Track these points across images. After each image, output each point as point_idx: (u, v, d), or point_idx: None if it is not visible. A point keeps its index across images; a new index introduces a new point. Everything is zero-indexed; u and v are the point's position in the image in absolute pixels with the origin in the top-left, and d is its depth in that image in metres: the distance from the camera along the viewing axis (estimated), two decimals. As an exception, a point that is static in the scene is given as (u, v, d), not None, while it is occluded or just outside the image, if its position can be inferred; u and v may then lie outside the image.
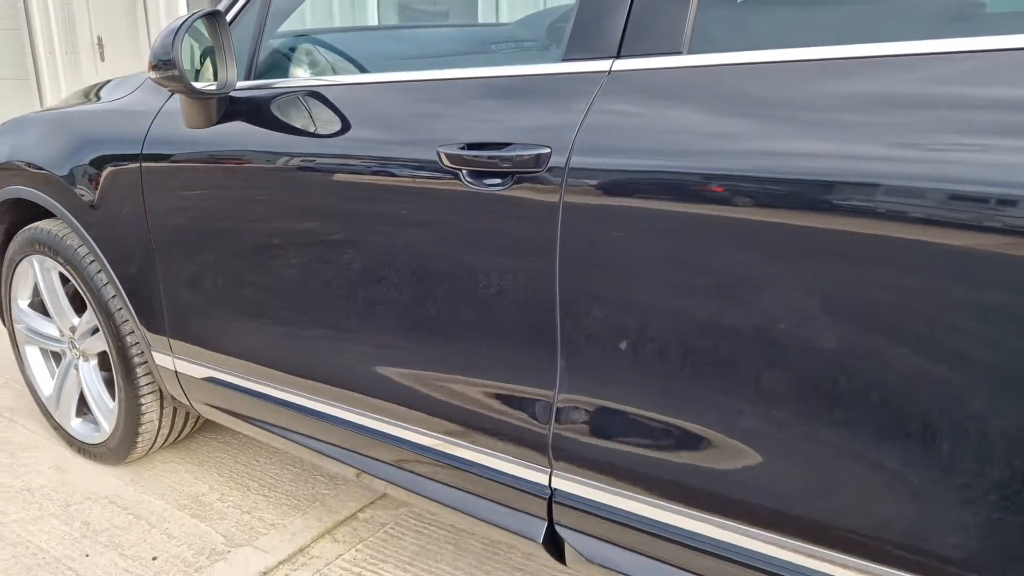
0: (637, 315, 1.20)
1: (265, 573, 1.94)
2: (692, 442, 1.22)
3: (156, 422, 2.28)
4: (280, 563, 1.98)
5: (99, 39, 8.90)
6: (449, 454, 1.52)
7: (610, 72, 1.23)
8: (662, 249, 1.16)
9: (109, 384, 2.35)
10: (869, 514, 1.07)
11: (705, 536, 1.24)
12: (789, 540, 1.15)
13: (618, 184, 1.18)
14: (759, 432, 1.14)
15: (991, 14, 1.17)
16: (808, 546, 1.14)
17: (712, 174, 1.09)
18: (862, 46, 1.03)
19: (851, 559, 1.10)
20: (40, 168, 2.17)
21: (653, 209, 1.15)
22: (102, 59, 8.94)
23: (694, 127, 1.13)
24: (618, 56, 1.22)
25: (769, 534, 1.17)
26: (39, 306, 2.49)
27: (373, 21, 6.42)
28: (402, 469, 1.64)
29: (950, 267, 0.94)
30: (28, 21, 9.13)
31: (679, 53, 1.17)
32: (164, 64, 1.56)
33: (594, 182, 1.20)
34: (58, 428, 2.54)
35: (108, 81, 2.37)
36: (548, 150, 1.24)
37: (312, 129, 1.59)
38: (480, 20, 5.72)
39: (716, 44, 1.15)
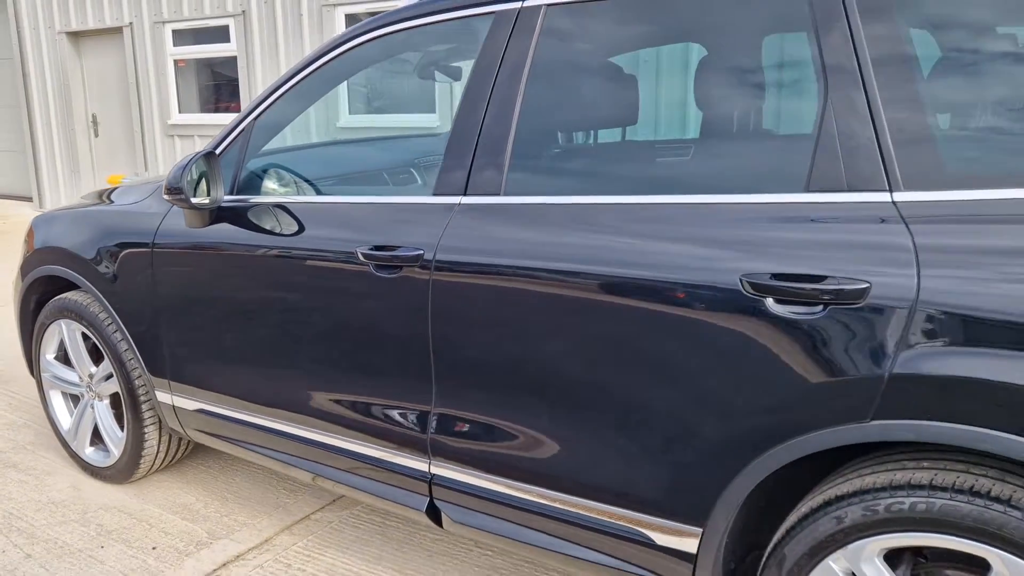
0: (479, 352, 1.91)
1: (239, 556, 2.59)
2: (519, 438, 1.91)
3: (155, 447, 2.94)
4: (250, 549, 2.63)
5: (93, 117, 9.70)
6: (363, 453, 2.21)
7: (460, 204, 1.96)
8: (490, 309, 1.87)
9: (117, 419, 3.02)
10: (622, 479, 1.77)
11: (529, 500, 1.92)
12: (579, 499, 1.84)
13: (463, 269, 1.90)
14: (555, 429, 1.84)
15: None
16: (587, 501, 1.83)
17: (512, 264, 1.82)
18: (599, 196, 1.77)
19: (608, 507, 1.80)
20: (70, 251, 2.87)
21: (483, 284, 1.86)
22: (96, 135, 9.72)
23: (504, 236, 1.85)
24: (464, 194, 1.96)
25: (566, 495, 1.86)
26: (62, 358, 3.15)
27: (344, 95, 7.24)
28: (332, 467, 2.32)
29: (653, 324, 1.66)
30: (27, 98, 9.92)
31: (498, 195, 1.91)
32: (175, 190, 2.29)
33: (449, 269, 1.92)
34: (74, 456, 3.18)
35: (115, 188, 3.09)
36: (421, 251, 1.96)
37: (275, 231, 2.30)
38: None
39: (518, 191, 1.89)
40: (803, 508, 1.57)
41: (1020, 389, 1.30)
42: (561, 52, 1.91)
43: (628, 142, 2.04)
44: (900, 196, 1.45)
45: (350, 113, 7.30)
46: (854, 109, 1.50)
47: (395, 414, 2.11)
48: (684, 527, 1.69)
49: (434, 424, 2.05)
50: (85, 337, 3.01)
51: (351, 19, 7.16)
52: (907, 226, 1.42)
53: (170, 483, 3.09)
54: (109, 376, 2.94)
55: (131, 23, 8.65)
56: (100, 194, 3.14)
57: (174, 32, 8.44)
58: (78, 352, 3.03)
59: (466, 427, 1.99)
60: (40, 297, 3.20)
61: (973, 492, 1.38)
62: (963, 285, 1.35)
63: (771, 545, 1.63)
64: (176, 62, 8.54)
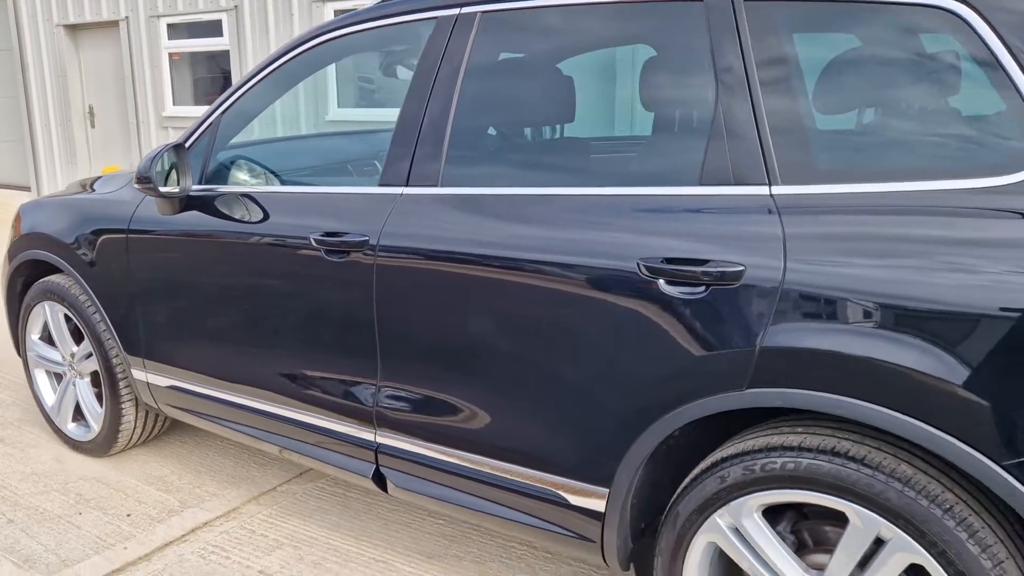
0: (417, 331, 2.08)
1: (206, 523, 2.77)
2: (452, 408, 2.09)
3: (132, 423, 3.12)
4: (217, 517, 2.81)
5: (90, 108, 9.87)
6: (318, 425, 2.38)
7: (402, 194, 2.13)
8: (426, 291, 2.04)
9: (97, 396, 3.19)
10: (540, 445, 1.94)
11: (462, 466, 2.10)
12: (504, 463, 2.01)
13: (403, 255, 2.07)
14: (483, 400, 2.01)
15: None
16: (511, 465, 2.00)
17: (444, 250, 1.99)
18: (522, 188, 1.94)
19: (529, 471, 1.97)
20: (53, 237, 3.04)
21: (421, 268, 2.03)
22: (92, 126, 9.89)
23: (439, 224, 2.02)
24: (407, 185, 2.13)
25: (494, 460, 2.03)
26: (47, 339, 3.33)
27: (333, 92, 7.40)
28: (293, 439, 2.49)
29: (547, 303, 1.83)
30: (26, 90, 10.10)
31: (435, 186, 2.08)
32: (145, 179, 2.47)
33: (391, 253, 2.09)
34: (58, 431, 3.36)
35: (99, 177, 3.27)
36: (366, 238, 2.13)
37: (240, 218, 2.47)
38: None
39: (452, 182, 2.06)
40: (696, 471, 1.75)
41: (870, 361, 1.47)
42: (493, 55, 2.07)
43: (550, 139, 2.21)
44: (777, 189, 1.62)
45: (339, 106, 7.46)
46: (741, 113, 1.67)
47: (345, 388, 2.29)
48: (593, 488, 1.86)
49: (379, 397, 2.22)
50: (67, 318, 3.18)
51: (340, 14, 7.31)
52: (780, 216, 1.59)
53: (147, 457, 3.27)
54: (89, 355, 3.12)
55: (127, 17, 8.81)
56: (83, 183, 3.31)
57: (169, 26, 8.60)
58: (60, 332, 3.20)
59: (406, 399, 2.16)
60: (26, 280, 3.37)
61: (833, 452, 1.55)
62: (821, 268, 1.52)
63: (669, 504, 1.80)
64: (171, 55, 8.70)
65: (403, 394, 2.17)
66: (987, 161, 1.47)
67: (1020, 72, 1.43)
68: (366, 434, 2.28)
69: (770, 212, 1.60)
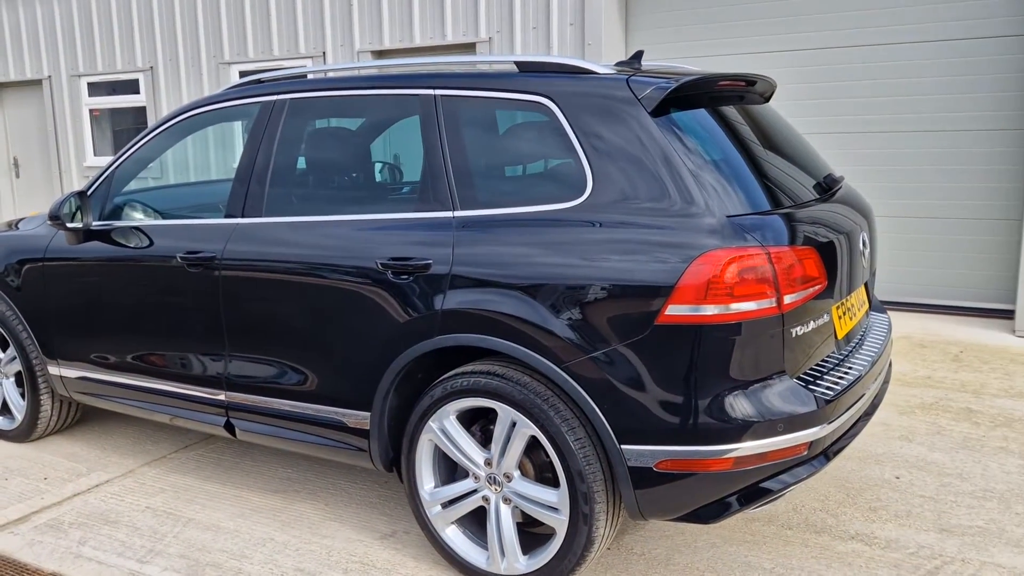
0: (249, 318, 3.00)
1: (108, 480, 3.61)
2: (273, 369, 3.00)
3: (49, 411, 3.94)
4: (117, 476, 3.65)
5: (15, 160, 10.54)
6: (187, 393, 3.27)
7: (238, 223, 3.07)
8: (253, 289, 2.96)
9: (21, 394, 4.00)
10: (328, 388, 2.86)
11: (282, 409, 3.01)
12: (307, 403, 2.93)
13: (237, 266, 2.99)
14: (291, 361, 2.93)
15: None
16: (311, 404, 2.92)
17: (263, 260, 2.92)
18: (310, 216, 2.90)
19: (323, 406, 2.89)
20: (-16, 267, 3.88)
21: (249, 275, 2.96)
22: (17, 176, 10.55)
23: (260, 242, 2.96)
24: (242, 216, 3.07)
25: (301, 402, 2.94)
26: (-22, 349, 4.14)
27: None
28: (172, 407, 3.37)
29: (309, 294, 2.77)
30: (-49, 144, 10.71)
31: (260, 216, 3.02)
32: (55, 217, 3.36)
33: (231, 266, 3.01)
34: (-13, 424, 4.16)
35: (23, 218, 4.12)
36: (214, 255, 3.06)
37: (130, 245, 3.36)
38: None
39: (271, 213, 3.00)
40: (422, 395, 2.71)
41: (492, 312, 2.45)
42: (298, 126, 3.05)
43: (334, 183, 3.18)
44: (457, 213, 2.61)
45: (245, 156, 8.35)
46: (438, 168, 2.66)
47: (205, 362, 3.19)
48: (360, 413, 2.80)
49: (227, 368, 3.13)
50: (-5, 331, 4.00)
51: (244, 75, 8.25)
52: (454, 229, 2.58)
53: (62, 440, 4.09)
54: (13, 359, 3.94)
55: (50, 76, 9.58)
56: (9, 223, 4.15)
57: (89, 84, 9.41)
58: (-10, 342, 4.02)
59: (244, 367, 3.08)
60: (-40, 304, 4.18)
61: (487, 372, 2.52)
62: (472, 259, 2.51)
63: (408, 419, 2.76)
64: (91, 111, 9.49)
65: (242, 363, 3.09)
66: (564, 193, 2.48)
67: (577, 141, 2.46)
68: (220, 395, 3.18)
69: (450, 227, 2.60)
